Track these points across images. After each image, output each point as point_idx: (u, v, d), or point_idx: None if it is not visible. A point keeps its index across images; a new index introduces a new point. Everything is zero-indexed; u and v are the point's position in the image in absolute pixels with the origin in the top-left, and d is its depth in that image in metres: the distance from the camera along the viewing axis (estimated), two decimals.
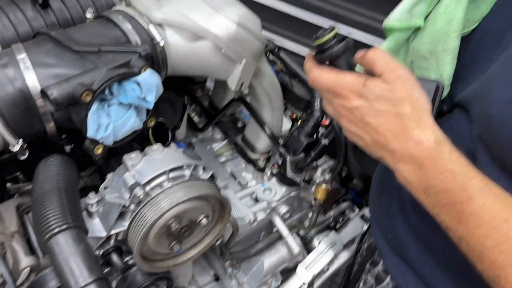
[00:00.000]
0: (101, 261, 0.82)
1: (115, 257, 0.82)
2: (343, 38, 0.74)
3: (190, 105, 1.33)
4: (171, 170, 0.79)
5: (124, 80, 0.73)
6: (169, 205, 0.74)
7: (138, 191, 0.73)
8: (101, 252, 0.81)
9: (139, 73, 0.73)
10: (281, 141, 1.12)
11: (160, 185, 0.78)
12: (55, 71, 0.72)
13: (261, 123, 1.07)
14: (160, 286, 0.86)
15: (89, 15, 0.87)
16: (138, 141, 0.90)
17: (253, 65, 0.95)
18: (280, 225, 1.07)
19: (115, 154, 0.90)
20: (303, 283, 1.05)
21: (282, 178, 1.10)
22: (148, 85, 0.73)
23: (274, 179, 1.13)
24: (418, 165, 0.65)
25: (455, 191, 0.60)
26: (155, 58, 0.83)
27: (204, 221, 0.81)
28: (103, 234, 0.79)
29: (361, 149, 0.71)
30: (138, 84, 0.73)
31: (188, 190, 0.76)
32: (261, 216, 1.04)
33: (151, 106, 0.75)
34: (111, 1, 0.93)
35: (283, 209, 1.13)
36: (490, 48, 0.76)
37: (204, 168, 0.85)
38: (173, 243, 0.80)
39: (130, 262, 0.84)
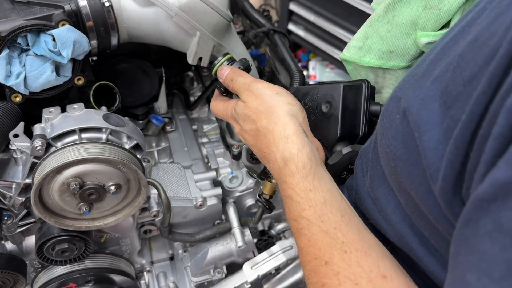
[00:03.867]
0: (24, 209, 0.86)
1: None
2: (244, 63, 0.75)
3: (198, 84, 1.32)
4: (85, 129, 0.78)
5: (42, 33, 0.74)
6: (63, 160, 0.73)
7: (36, 143, 0.74)
8: (24, 199, 0.84)
9: (56, 26, 0.74)
10: None
11: (72, 142, 0.78)
12: None
13: None
14: (76, 245, 0.87)
15: None
16: (84, 101, 0.91)
17: (211, 40, 0.89)
18: (232, 216, 1.00)
19: None
20: (246, 282, 0.98)
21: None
22: (63, 39, 0.73)
23: (244, 169, 1.07)
24: (279, 187, 0.62)
25: (291, 221, 0.58)
26: (100, 19, 0.83)
27: (112, 188, 0.79)
28: (20, 181, 0.81)
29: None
30: (54, 38, 0.73)
31: (89, 150, 0.75)
32: (212, 201, 0.98)
33: (65, 61, 0.75)
34: None
35: (250, 201, 1.06)
36: None
37: (128, 137, 0.82)
38: (80, 204, 0.80)
39: None
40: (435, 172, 0.41)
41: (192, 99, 1.27)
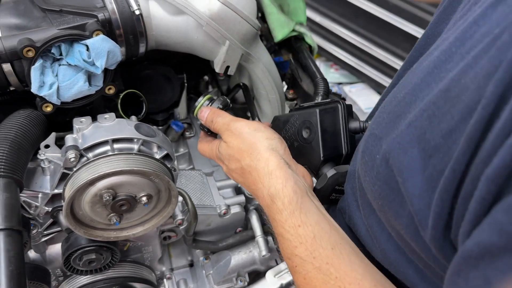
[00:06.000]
0: (50, 218, 0.85)
1: (61, 216, 0.83)
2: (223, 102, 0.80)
3: (213, 87, 1.31)
4: (117, 140, 0.77)
5: (75, 42, 0.73)
6: (97, 172, 0.72)
7: (70, 154, 0.73)
8: (50, 209, 0.83)
9: (90, 36, 0.72)
10: None
11: (105, 153, 0.77)
12: (19, 27, 0.75)
13: (252, 113, 1.01)
14: (103, 255, 0.86)
15: None
16: (111, 109, 0.90)
17: (240, 49, 0.89)
18: (255, 224, 1.00)
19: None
20: None
21: None
22: (97, 50, 0.72)
23: None
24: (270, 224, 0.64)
25: (285, 259, 0.59)
26: (130, 27, 0.82)
27: (144, 199, 0.78)
28: (48, 191, 0.80)
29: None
30: (88, 48, 0.72)
31: (123, 162, 0.74)
32: (235, 209, 0.98)
33: (98, 72, 0.73)
34: None
35: None
36: None
37: (159, 147, 0.82)
38: (111, 215, 0.79)
39: None
40: (423, 219, 0.42)
41: None
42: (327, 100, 0.76)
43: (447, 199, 0.39)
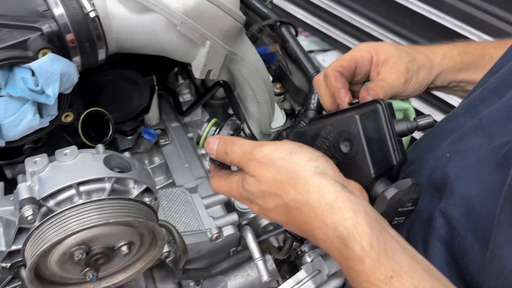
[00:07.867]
0: (11, 274, 0.69)
1: (23, 272, 0.68)
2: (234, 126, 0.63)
3: (183, 79, 1.15)
4: (83, 182, 0.62)
5: (16, 67, 0.55)
6: (64, 232, 0.57)
7: (26, 211, 0.57)
8: (8, 266, 0.68)
9: (35, 57, 0.55)
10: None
11: (70, 199, 0.62)
12: None
13: (238, 116, 0.86)
14: None
15: None
16: (69, 133, 0.74)
17: (223, 48, 0.73)
18: (252, 245, 0.88)
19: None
20: None
21: None
22: (47, 74, 0.55)
23: None
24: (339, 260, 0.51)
25: None
26: (84, 33, 0.65)
27: (124, 248, 0.64)
28: (3, 248, 0.65)
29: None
30: (33, 73, 0.55)
31: (96, 213, 0.59)
32: (228, 231, 0.86)
33: (51, 102, 0.57)
34: None
35: (265, 221, 0.95)
36: None
37: (136, 181, 0.67)
38: (85, 270, 0.65)
39: None
40: None
41: (180, 99, 1.10)
42: (356, 102, 0.63)
43: None
